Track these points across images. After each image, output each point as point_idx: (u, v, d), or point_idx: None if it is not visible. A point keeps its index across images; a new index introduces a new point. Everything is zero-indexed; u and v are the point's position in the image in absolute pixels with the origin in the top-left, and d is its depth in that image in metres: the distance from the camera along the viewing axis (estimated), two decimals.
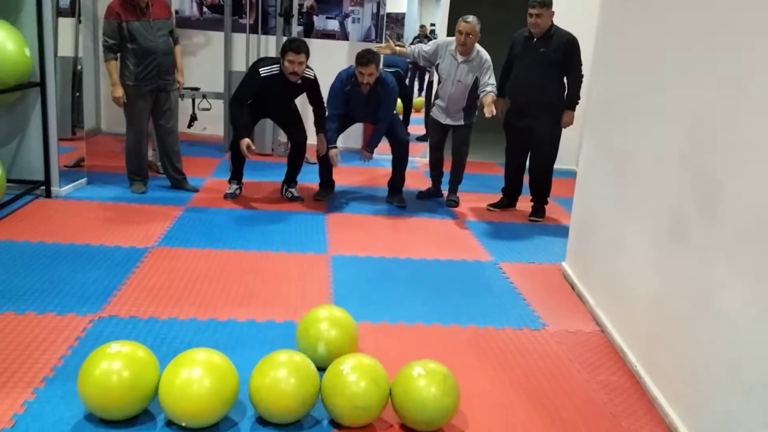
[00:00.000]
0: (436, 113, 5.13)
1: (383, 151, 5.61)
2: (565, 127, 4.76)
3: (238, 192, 5.04)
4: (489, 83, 4.75)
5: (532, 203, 5.02)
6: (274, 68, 4.63)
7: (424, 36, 11.57)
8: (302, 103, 5.04)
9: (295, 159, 5.07)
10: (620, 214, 3.02)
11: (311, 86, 4.81)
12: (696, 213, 2.25)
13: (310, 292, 3.34)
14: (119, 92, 4.61)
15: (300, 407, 2.16)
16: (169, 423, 2.15)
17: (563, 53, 4.53)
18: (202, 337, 2.78)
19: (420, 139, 7.79)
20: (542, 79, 4.59)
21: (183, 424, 2.12)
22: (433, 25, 12.81)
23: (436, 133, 5.24)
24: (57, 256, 3.53)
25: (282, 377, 2.14)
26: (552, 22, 4.54)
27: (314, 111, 4.93)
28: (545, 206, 5.01)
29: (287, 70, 4.57)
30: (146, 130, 4.95)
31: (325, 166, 5.09)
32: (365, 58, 4.65)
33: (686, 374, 2.25)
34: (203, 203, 4.78)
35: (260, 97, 4.77)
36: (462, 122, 5.03)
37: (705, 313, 2.14)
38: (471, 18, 4.71)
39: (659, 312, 2.51)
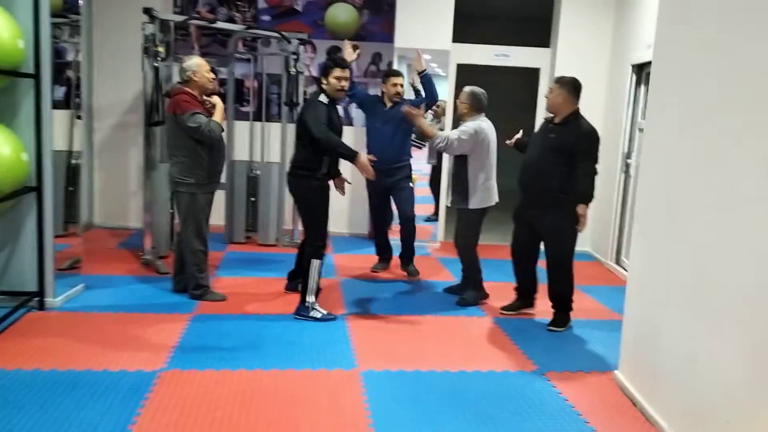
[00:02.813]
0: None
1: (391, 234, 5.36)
2: (581, 226, 4.11)
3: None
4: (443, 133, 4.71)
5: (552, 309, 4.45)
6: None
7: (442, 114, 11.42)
8: None
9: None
10: (699, 324, 2.70)
11: None
12: None
13: (344, 423, 2.94)
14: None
15: None
16: None
17: (575, 142, 4.07)
18: None
19: (428, 220, 7.52)
20: (548, 167, 4.13)
21: None
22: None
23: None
24: (56, 387, 3.11)
25: None
26: (576, 109, 4.19)
27: None
28: (566, 315, 4.40)
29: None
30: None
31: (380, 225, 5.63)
32: (394, 70, 5.51)
33: None
34: (211, 309, 4.40)
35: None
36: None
37: None
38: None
39: None
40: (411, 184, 5.40)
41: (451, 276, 5.64)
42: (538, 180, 4.19)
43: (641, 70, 5.95)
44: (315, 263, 4.31)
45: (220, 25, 5.87)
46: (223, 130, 4.46)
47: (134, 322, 4.06)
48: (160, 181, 5.46)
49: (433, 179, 7.47)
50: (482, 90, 4.69)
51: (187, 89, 4.30)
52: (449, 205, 4.85)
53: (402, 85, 5.32)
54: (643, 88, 5.96)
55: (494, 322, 4.44)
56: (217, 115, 4.38)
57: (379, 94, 5.52)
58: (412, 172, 5.48)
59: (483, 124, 4.59)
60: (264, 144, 6.61)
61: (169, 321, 4.12)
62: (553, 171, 4.13)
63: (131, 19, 6.46)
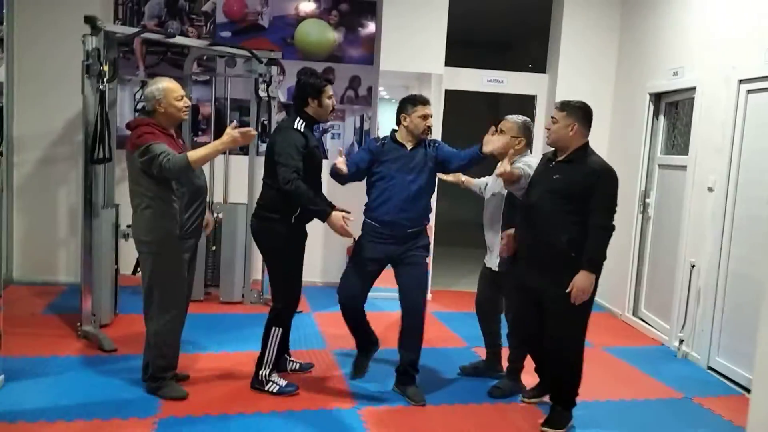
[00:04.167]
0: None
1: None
2: (575, 299, 3.12)
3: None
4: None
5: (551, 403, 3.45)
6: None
7: None
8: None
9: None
10: None
11: None
12: None
13: None
14: (240, 131, 3.20)
15: None
16: None
17: (580, 186, 3.14)
18: None
19: None
20: (553, 217, 3.19)
21: None
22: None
23: (481, 282, 4.03)
24: None
25: None
26: (585, 143, 3.25)
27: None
28: (567, 413, 3.36)
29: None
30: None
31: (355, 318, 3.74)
32: (422, 97, 3.63)
33: None
34: (180, 409, 3.33)
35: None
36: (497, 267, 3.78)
37: None
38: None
39: None
40: (426, 260, 3.79)
41: (457, 337, 4.79)
42: (542, 234, 3.23)
43: (659, 100, 5.33)
44: (275, 332, 3.55)
45: (180, 40, 4.85)
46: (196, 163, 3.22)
47: None
48: (102, 229, 4.38)
49: None
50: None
51: (151, 121, 3.29)
52: (496, 268, 3.76)
53: (432, 116, 3.67)
54: (662, 119, 5.33)
55: (540, 410, 3.59)
56: (203, 150, 3.22)
57: (368, 131, 4.62)
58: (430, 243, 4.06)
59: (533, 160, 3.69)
60: (226, 181, 5.59)
61: (128, 429, 3.05)
62: (559, 222, 3.17)
63: (62, 33, 5.41)
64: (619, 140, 5.80)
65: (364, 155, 3.62)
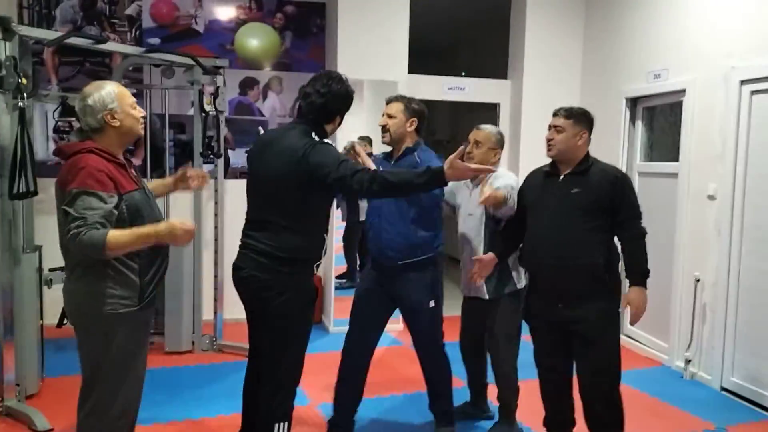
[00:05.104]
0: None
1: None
2: (634, 318, 2.79)
3: None
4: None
5: None
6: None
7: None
8: None
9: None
10: None
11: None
12: None
13: None
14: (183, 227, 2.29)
15: None
16: None
17: (607, 196, 2.81)
18: None
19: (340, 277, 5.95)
20: (578, 236, 2.80)
21: None
22: None
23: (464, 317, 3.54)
24: None
25: None
26: (588, 152, 2.93)
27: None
28: None
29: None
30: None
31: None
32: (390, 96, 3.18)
33: None
34: None
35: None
36: (487, 295, 3.28)
37: None
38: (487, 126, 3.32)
39: None
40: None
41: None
42: (570, 258, 2.78)
43: (635, 104, 5.06)
44: (280, 428, 2.66)
45: (112, 47, 4.07)
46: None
47: None
48: (25, 278, 3.57)
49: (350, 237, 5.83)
50: None
51: (94, 146, 2.37)
52: (487, 297, 3.25)
53: (392, 116, 3.13)
54: (639, 124, 5.07)
55: None
56: (126, 237, 2.23)
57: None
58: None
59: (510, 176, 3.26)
60: (166, 210, 4.82)
61: None
62: (592, 241, 2.78)
63: None
64: (591, 148, 5.47)
65: None
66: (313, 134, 2.62)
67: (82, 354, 2.41)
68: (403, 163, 3.10)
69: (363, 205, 5.65)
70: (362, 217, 5.69)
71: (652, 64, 4.80)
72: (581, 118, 2.89)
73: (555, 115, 2.91)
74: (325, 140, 2.63)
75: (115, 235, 2.19)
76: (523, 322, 3.16)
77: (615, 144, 5.13)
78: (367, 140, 5.56)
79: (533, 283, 3.03)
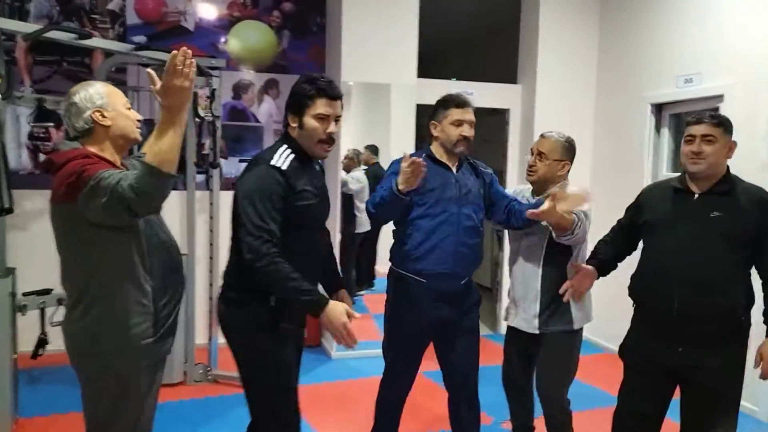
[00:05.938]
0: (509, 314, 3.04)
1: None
2: (765, 375, 2.39)
3: None
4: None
5: None
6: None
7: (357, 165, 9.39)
8: None
9: None
10: None
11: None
12: None
13: None
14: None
15: None
16: None
17: (755, 224, 2.37)
18: None
19: None
20: (719, 270, 2.37)
21: None
22: None
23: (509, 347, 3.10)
24: None
25: None
26: (728, 167, 2.53)
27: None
28: None
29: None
30: None
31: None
32: (459, 97, 2.71)
33: None
34: None
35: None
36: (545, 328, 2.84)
37: None
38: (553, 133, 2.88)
39: None
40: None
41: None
42: (705, 293, 2.35)
43: (661, 111, 4.74)
44: None
45: (98, 43, 3.61)
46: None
47: None
48: None
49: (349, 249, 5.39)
50: None
51: (87, 150, 2.00)
52: (536, 331, 2.82)
53: (472, 124, 2.71)
54: (666, 132, 4.74)
55: None
56: (160, 133, 1.84)
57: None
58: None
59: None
60: None
61: None
62: (734, 276, 2.38)
63: None
64: (611, 158, 5.15)
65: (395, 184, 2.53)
66: (280, 151, 2.23)
67: (86, 397, 2.05)
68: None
69: (361, 216, 5.30)
70: (358, 229, 5.35)
71: (681, 68, 4.48)
72: (729, 127, 2.43)
73: (697, 121, 2.41)
74: (273, 161, 2.19)
75: (148, 147, 1.82)
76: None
77: (638, 153, 4.80)
78: (371, 149, 5.18)
79: (641, 316, 2.60)
